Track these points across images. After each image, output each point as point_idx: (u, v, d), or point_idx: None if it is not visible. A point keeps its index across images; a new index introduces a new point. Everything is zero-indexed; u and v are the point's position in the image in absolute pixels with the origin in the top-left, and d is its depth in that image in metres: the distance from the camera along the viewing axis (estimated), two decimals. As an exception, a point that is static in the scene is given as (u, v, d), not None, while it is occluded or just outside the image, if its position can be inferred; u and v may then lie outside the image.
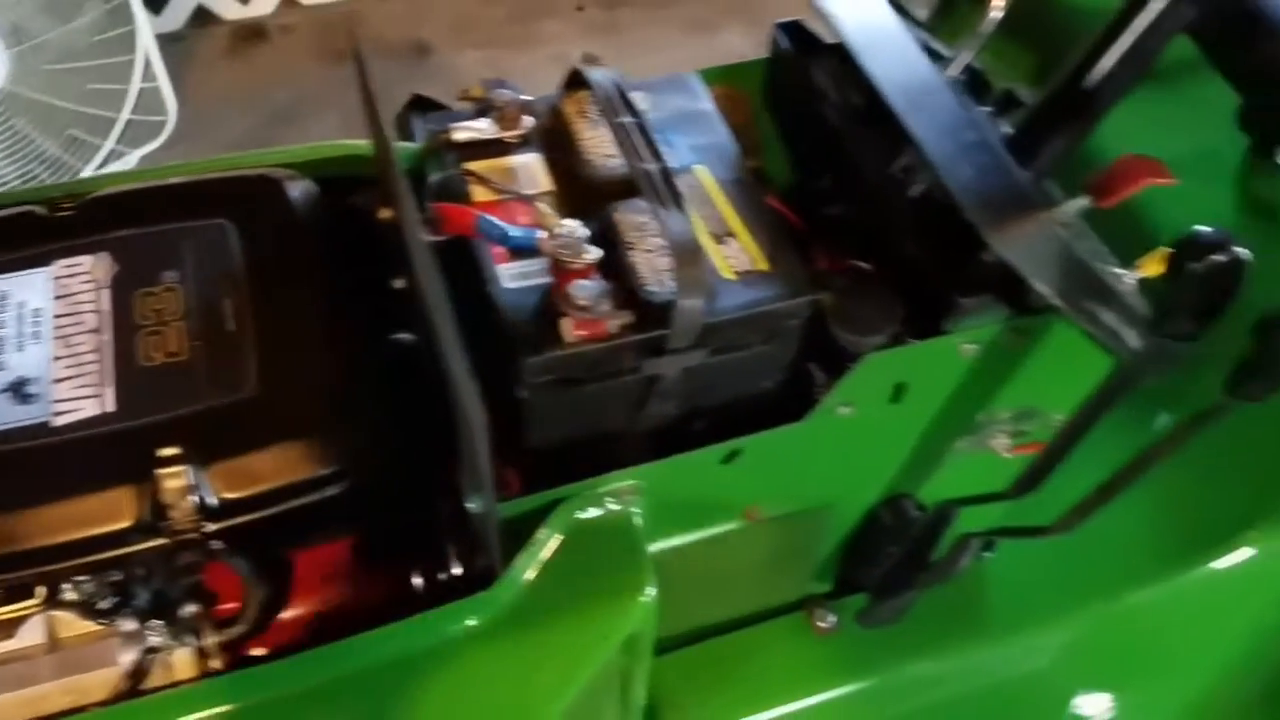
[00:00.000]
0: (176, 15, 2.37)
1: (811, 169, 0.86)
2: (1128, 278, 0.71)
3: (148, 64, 1.96)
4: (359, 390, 0.70)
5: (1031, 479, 0.75)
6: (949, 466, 0.86)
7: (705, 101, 0.85)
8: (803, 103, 0.87)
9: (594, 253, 0.69)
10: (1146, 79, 0.76)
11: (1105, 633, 0.99)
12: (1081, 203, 0.75)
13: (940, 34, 1.37)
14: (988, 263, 0.73)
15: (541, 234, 0.70)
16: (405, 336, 0.79)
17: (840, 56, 0.82)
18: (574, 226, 0.69)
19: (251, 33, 2.43)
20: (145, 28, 1.93)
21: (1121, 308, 0.69)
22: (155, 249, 0.74)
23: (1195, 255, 0.59)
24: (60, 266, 0.73)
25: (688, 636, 0.92)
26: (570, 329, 0.67)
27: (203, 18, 2.41)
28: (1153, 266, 0.70)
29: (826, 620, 0.94)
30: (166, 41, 2.17)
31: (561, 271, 0.68)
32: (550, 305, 0.68)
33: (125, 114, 1.94)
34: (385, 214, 0.78)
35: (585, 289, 0.67)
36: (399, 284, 0.78)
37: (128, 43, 1.90)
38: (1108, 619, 0.98)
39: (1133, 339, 0.67)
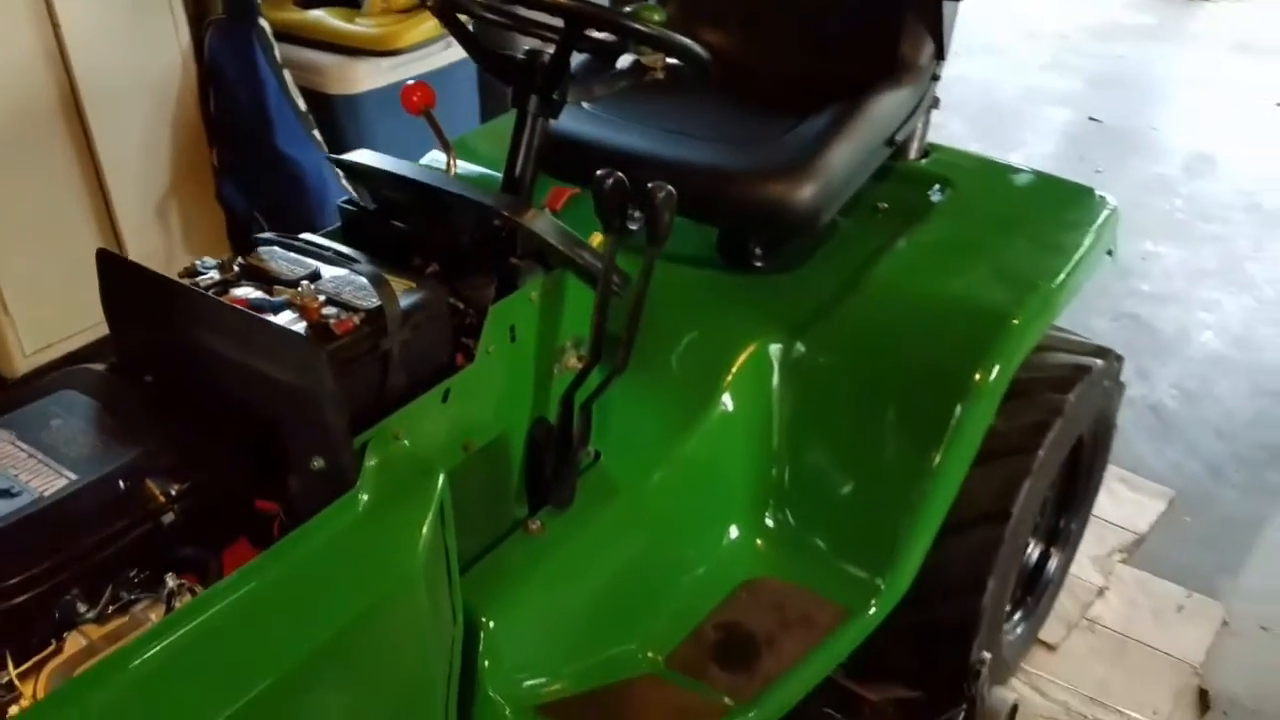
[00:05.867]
0: None
1: None
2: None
3: None
4: None
5: (593, 353, 1.35)
6: (555, 388, 1.42)
7: None
8: None
9: (322, 296, 1.16)
10: None
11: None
12: (547, 213, 1.40)
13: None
14: (526, 245, 1.34)
15: (288, 297, 1.16)
16: None
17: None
18: (307, 284, 1.17)
19: None
20: None
21: (584, 247, 1.35)
22: None
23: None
24: None
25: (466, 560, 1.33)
26: (336, 328, 1.13)
27: None
28: (596, 239, 1.37)
29: (535, 524, 1.41)
30: None
31: (308, 310, 1.14)
32: (316, 325, 1.13)
33: None
34: None
35: (332, 310, 1.15)
36: None
37: None
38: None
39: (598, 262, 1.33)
